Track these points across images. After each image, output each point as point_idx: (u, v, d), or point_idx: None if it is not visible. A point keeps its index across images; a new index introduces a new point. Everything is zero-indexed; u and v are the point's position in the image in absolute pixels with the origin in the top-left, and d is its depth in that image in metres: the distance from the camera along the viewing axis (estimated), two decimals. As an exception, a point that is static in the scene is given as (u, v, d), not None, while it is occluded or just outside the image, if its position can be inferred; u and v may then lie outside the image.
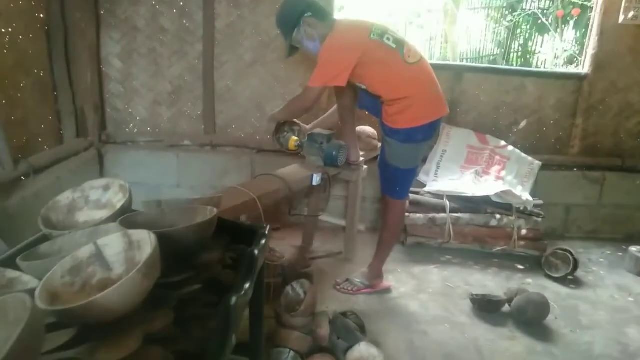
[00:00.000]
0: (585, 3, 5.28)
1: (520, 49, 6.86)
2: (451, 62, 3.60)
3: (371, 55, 2.27)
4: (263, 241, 1.27)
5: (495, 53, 7.32)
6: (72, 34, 3.03)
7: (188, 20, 3.31)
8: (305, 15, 2.33)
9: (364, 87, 2.48)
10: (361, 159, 2.88)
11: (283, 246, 3.24)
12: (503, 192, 3.20)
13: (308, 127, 2.85)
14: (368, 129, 3.08)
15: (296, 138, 2.67)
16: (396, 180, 2.55)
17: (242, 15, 3.32)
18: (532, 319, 2.45)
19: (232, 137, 3.52)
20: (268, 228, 1.35)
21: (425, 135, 2.42)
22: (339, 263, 3.08)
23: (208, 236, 1.15)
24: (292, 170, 2.53)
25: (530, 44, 6.79)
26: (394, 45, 2.30)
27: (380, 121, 2.48)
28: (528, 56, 6.81)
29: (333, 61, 2.26)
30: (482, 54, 7.84)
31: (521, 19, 6.53)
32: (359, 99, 2.60)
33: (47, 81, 2.97)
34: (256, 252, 1.19)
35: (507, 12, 6.84)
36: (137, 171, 3.41)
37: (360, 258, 3.07)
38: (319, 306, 2.39)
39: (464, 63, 3.50)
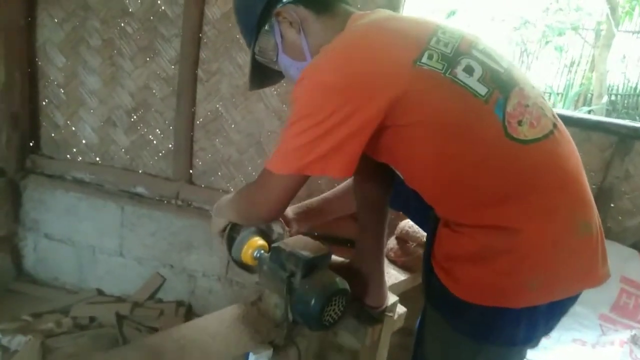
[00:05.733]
0: None
1: None
2: (608, 119, 1.93)
3: (415, 108, 0.84)
4: None
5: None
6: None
7: (165, 0, 2.07)
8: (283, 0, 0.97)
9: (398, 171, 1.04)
10: (393, 298, 1.40)
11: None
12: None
13: (290, 215, 1.43)
14: (419, 230, 1.60)
15: (262, 243, 1.26)
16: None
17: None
18: None
19: (211, 192, 2.21)
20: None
21: (532, 331, 0.94)
22: None
23: None
24: (209, 332, 1.13)
25: None
26: (482, 90, 0.83)
27: (424, 257, 1.02)
28: None
29: (319, 118, 0.84)
30: (640, 89, 6.01)
31: None
32: (395, 188, 1.15)
33: None
34: None
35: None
36: (67, 222, 2.24)
37: None
38: None
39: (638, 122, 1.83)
